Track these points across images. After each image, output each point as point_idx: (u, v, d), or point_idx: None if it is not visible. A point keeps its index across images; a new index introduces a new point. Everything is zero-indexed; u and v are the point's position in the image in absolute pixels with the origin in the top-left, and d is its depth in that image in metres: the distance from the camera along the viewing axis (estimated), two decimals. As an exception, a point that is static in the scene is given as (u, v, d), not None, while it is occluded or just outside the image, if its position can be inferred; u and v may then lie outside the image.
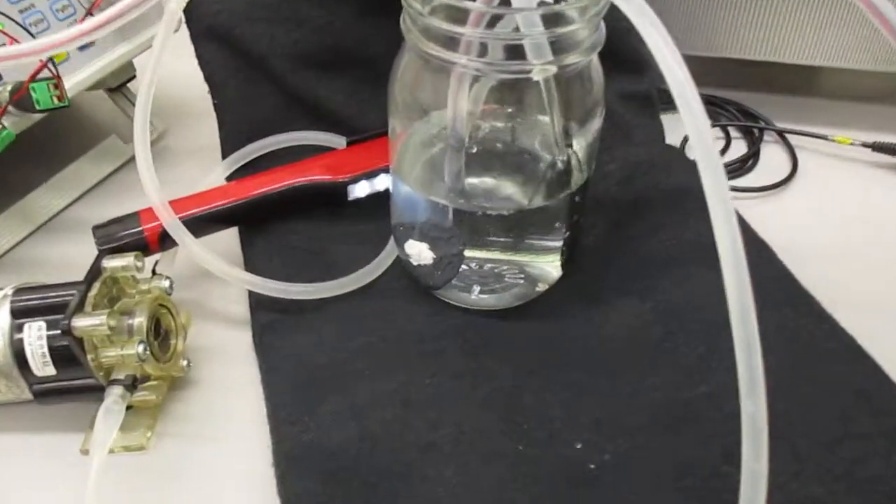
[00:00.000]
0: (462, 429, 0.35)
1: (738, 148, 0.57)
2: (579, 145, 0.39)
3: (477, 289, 0.43)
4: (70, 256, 0.47)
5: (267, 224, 0.47)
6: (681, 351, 0.38)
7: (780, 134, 0.57)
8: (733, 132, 0.58)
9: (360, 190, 0.47)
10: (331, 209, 0.48)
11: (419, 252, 0.42)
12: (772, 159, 0.56)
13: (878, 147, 0.54)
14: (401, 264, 0.45)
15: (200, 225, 0.44)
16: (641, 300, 0.41)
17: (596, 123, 0.39)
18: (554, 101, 0.36)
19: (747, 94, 0.61)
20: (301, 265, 0.45)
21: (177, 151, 0.59)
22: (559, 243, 0.42)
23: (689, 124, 0.24)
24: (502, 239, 0.41)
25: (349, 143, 0.49)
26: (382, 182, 0.47)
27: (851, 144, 0.55)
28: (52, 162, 0.55)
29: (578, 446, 0.34)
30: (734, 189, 0.51)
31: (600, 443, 0.34)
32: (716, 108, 0.60)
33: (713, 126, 0.58)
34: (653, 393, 0.36)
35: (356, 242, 0.46)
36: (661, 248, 0.43)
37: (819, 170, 0.54)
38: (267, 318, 0.42)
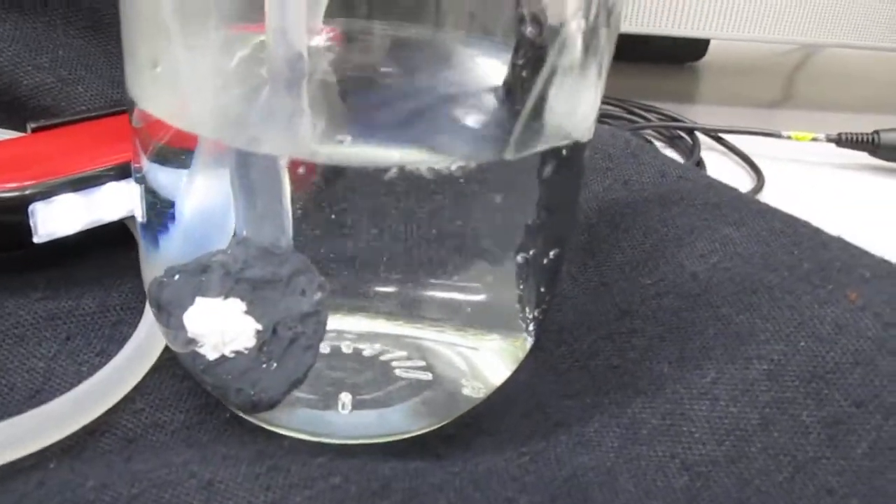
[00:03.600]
0: None
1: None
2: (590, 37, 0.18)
3: (348, 400, 0.18)
4: None
5: None
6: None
7: (717, 137, 0.41)
8: (658, 142, 0.41)
9: (57, 217, 0.21)
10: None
11: (223, 324, 0.17)
12: (722, 169, 0.39)
13: (845, 141, 0.40)
14: (176, 367, 0.19)
15: None
16: (708, 377, 0.19)
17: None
18: None
19: (664, 105, 0.45)
20: None
21: None
22: (512, 296, 0.19)
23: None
24: (392, 286, 0.17)
25: (36, 131, 0.23)
26: (112, 200, 0.22)
27: (814, 140, 0.40)
28: None
29: None
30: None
31: None
32: (631, 116, 0.43)
33: (635, 131, 0.40)
34: None
35: (54, 338, 0.20)
36: (705, 270, 0.22)
37: (779, 175, 0.38)
38: None
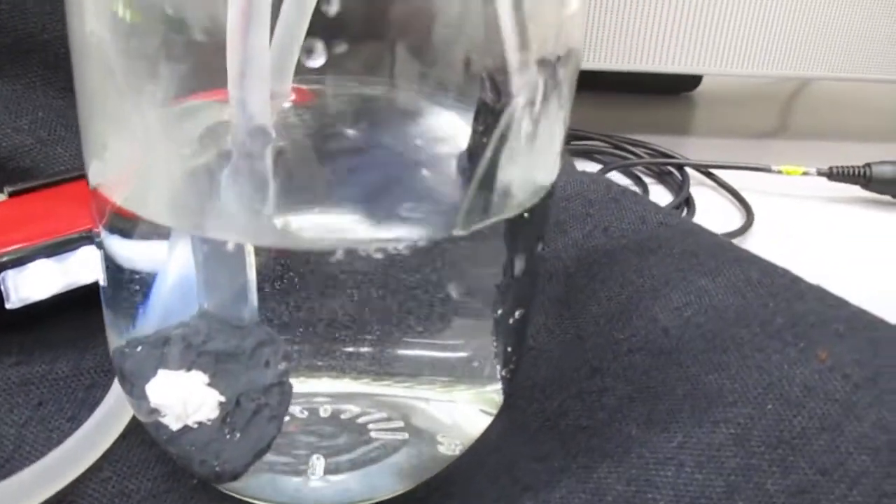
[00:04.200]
0: None
1: (662, 196, 0.39)
2: (540, 107, 0.18)
3: (320, 463, 0.18)
4: None
5: None
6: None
7: (707, 173, 0.41)
8: (647, 178, 0.41)
9: (31, 283, 0.21)
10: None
11: (186, 396, 0.17)
12: (711, 204, 0.39)
13: (837, 175, 0.40)
14: (144, 433, 0.19)
15: None
16: (674, 441, 0.19)
17: (572, 65, 0.18)
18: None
19: (653, 137, 0.45)
20: None
21: None
22: (487, 351, 0.19)
23: None
24: (365, 345, 0.18)
25: (13, 195, 0.23)
26: (86, 263, 0.22)
27: (804, 175, 0.40)
28: None
29: None
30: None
31: None
32: (620, 152, 0.43)
33: (624, 168, 0.40)
34: None
35: (26, 404, 0.20)
36: (677, 326, 0.22)
37: (769, 210, 0.38)
38: None
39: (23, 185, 0.23)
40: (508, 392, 0.20)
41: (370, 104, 0.18)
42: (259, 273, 0.16)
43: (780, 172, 0.39)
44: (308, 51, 0.14)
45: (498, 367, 0.20)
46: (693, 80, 0.55)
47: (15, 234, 0.21)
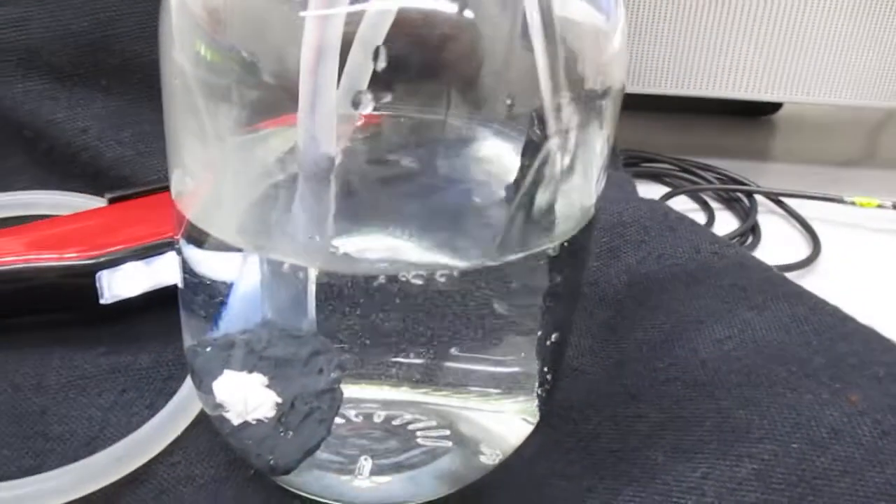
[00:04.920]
0: None
1: (728, 223, 0.39)
2: (576, 146, 0.19)
3: (367, 465, 0.20)
4: None
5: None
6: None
7: (777, 201, 0.41)
8: (714, 203, 0.41)
9: (122, 282, 0.24)
10: (60, 324, 0.24)
11: (246, 395, 0.19)
12: (778, 233, 0.39)
13: (913, 209, 0.39)
14: (209, 425, 0.22)
15: None
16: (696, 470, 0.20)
17: (612, 104, 0.19)
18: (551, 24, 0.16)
19: (727, 162, 0.45)
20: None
21: None
22: (531, 364, 0.20)
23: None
24: (416, 357, 0.19)
25: (112, 201, 0.26)
26: (172, 266, 0.25)
27: (879, 207, 0.39)
28: None
29: None
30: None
31: None
32: (689, 176, 0.43)
33: (693, 192, 0.41)
34: None
35: (112, 390, 0.23)
36: (716, 358, 0.23)
37: (838, 243, 0.38)
38: None
39: (121, 192, 0.26)
40: (545, 410, 0.21)
41: (427, 132, 0.20)
42: (318, 288, 0.18)
43: (853, 204, 0.39)
44: (356, 104, 0.16)
45: (536, 384, 0.21)
46: (773, 104, 0.54)
47: (112, 237, 0.24)
